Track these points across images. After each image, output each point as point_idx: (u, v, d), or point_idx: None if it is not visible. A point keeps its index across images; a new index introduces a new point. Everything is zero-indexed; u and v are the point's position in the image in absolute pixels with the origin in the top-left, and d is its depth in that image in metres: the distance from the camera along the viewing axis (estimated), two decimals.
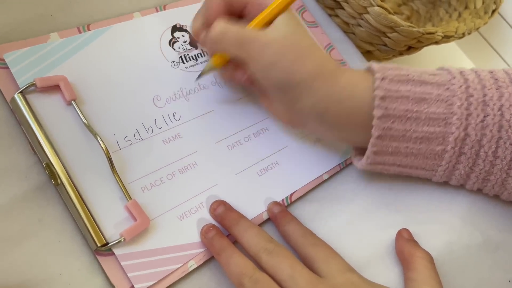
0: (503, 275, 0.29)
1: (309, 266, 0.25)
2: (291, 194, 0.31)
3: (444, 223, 0.30)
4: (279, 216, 0.29)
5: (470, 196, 0.31)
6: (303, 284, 0.24)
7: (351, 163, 0.34)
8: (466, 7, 0.50)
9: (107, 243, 0.24)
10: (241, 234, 0.26)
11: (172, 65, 0.31)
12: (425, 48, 0.45)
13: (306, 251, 0.26)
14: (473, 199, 0.31)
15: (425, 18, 0.55)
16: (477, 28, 0.44)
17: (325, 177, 0.32)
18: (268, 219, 0.29)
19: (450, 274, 0.28)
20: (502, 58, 0.57)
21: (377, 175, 0.33)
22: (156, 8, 0.33)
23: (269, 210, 0.29)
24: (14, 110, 0.26)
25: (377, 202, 0.31)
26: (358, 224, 0.30)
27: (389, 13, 0.38)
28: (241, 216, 0.27)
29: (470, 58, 0.59)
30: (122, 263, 0.24)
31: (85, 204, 0.25)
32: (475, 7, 0.49)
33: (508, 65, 0.56)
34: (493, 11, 0.47)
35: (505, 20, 0.55)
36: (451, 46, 0.59)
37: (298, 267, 0.24)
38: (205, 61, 0.32)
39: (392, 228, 0.30)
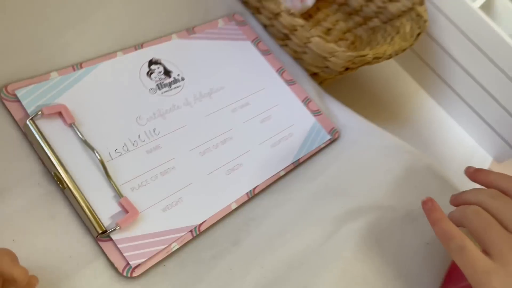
0: (421, 239, 0.36)
1: None
2: (254, 188, 0.38)
3: (373, 202, 0.38)
4: (479, 171, 0.34)
5: (395, 180, 0.39)
6: None
7: (304, 161, 0.41)
8: (398, 32, 0.59)
9: (106, 231, 0.31)
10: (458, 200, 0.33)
11: (151, 91, 0.39)
12: (369, 66, 0.53)
13: None
14: (397, 181, 0.39)
15: (366, 42, 0.64)
16: (403, 50, 0.53)
17: (282, 173, 0.40)
18: (236, 209, 0.36)
19: (379, 242, 0.35)
20: (433, 71, 0.67)
21: (322, 169, 0.40)
22: (135, 47, 0.40)
23: (466, 172, 0.36)
24: (26, 133, 0.33)
25: (324, 191, 0.39)
26: (309, 209, 0.37)
27: (327, 42, 0.46)
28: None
29: (407, 72, 0.69)
30: (119, 246, 0.31)
31: (87, 202, 0.31)
32: (404, 32, 0.58)
33: (439, 76, 0.66)
34: (418, 34, 0.56)
35: (433, 39, 0.65)
36: (391, 63, 0.68)
37: None
38: (178, 87, 0.40)
39: (335, 209, 0.37)
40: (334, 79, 0.55)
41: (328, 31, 0.66)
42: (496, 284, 0.27)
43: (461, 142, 0.68)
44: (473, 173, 0.35)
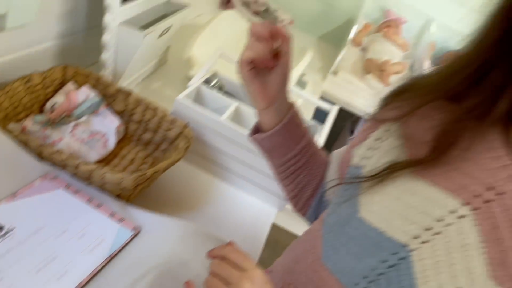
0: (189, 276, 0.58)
1: None
2: (80, 283, 0.56)
3: (158, 262, 0.59)
4: (209, 251, 0.51)
5: (172, 245, 0.61)
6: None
7: (115, 254, 0.61)
8: (176, 149, 0.86)
9: None
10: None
11: None
12: (168, 172, 0.77)
13: None
14: (170, 245, 0.62)
15: (161, 161, 0.90)
16: (178, 160, 0.79)
17: (100, 267, 0.59)
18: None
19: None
20: (217, 164, 0.95)
21: (127, 254, 0.61)
22: (10, 197, 0.58)
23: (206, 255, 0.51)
24: None
25: (128, 267, 0.59)
26: (118, 280, 0.57)
27: (115, 173, 0.70)
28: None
29: (200, 169, 0.96)
30: None
31: None
32: (179, 148, 0.85)
33: (221, 166, 0.94)
34: (187, 147, 0.84)
35: (207, 143, 0.94)
36: (185, 166, 0.95)
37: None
38: (10, 235, 0.58)
39: (135, 274, 0.57)
40: (138, 192, 0.78)
41: (132, 160, 0.90)
42: None
43: (252, 206, 0.95)
44: (208, 254, 0.53)
